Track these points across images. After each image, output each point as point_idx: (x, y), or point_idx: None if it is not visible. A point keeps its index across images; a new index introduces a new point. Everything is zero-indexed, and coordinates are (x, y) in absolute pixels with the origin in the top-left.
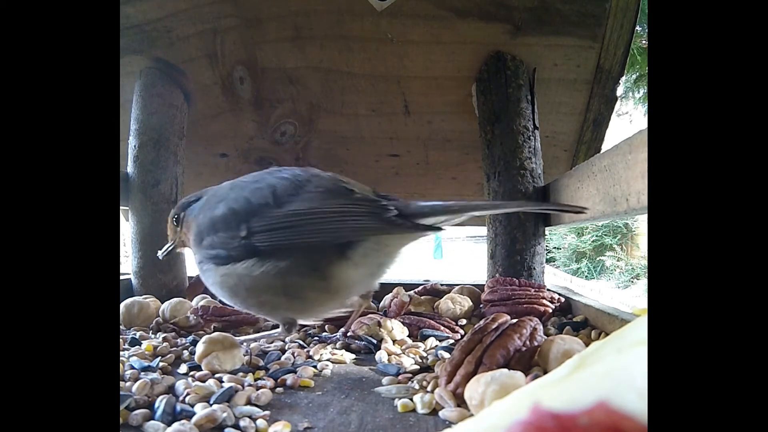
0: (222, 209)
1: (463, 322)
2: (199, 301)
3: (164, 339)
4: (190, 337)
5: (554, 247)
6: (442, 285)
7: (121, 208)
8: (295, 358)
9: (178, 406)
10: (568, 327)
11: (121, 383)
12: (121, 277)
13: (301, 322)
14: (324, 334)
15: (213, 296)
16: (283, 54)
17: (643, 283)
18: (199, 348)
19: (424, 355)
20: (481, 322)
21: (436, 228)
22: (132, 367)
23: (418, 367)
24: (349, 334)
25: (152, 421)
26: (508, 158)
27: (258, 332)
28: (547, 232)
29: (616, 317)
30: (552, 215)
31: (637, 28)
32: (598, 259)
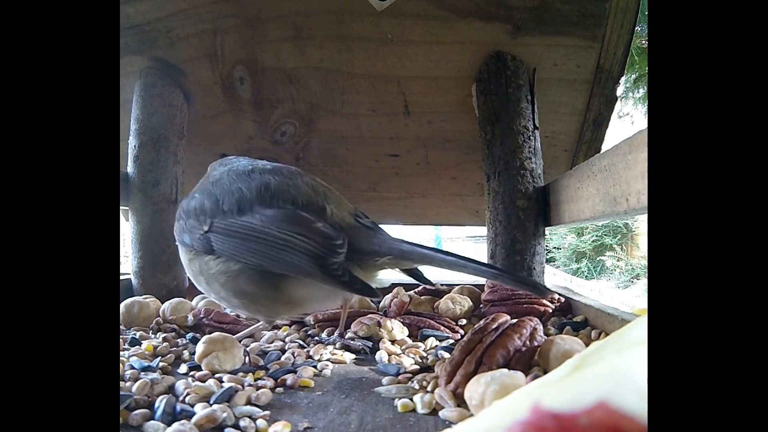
0: (197, 201)
1: (463, 322)
2: (199, 301)
3: (164, 339)
4: (190, 335)
5: (554, 247)
6: (442, 285)
7: (121, 208)
8: (295, 358)
9: (178, 406)
10: (568, 327)
11: (121, 383)
12: (121, 277)
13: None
14: (323, 335)
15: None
16: (283, 54)
17: (643, 283)
18: (199, 348)
19: (424, 355)
20: (481, 322)
21: (370, 292)
22: (132, 367)
23: (418, 367)
24: (347, 335)
25: (152, 421)
26: (508, 158)
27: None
28: (547, 232)
29: (616, 317)
30: (552, 215)
31: (637, 28)
32: (598, 259)
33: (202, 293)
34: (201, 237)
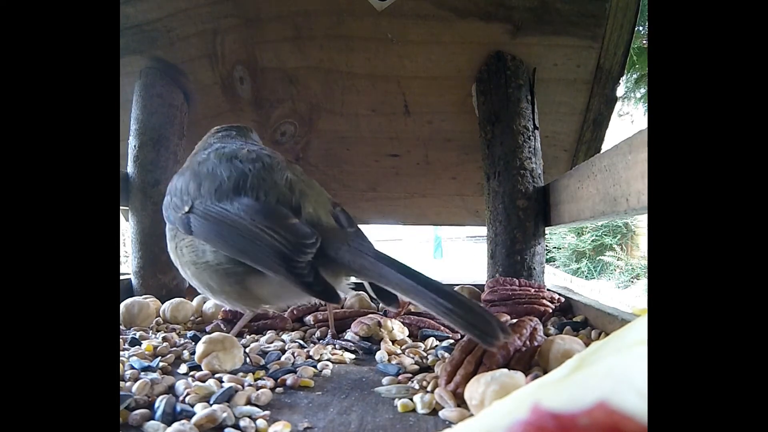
0: (184, 180)
1: None
2: (200, 302)
3: (164, 339)
4: (191, 333)
5: (554, 247)
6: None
7: (121, 208)
8: (295, 358)
9: (178, 406)
10: (568, 327)
11: (121, 383)
12: (121, 277)
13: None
14: (316, 334)
15: None
16: (283, 54)
17: (643, 283)
18: (199, 348)
19: (424, 355)
20: None
21: (332, 296)
22: (132, 367)
23: (418, 367)
24: (347, 335)
25: (152, 421)
26: (508, 158)
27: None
28: (547, 232)
29: (616, 317)
30: (552, 215)
31: (637, 28)
32: (598, 259)
33: (202, 294)
34: (183, 217)
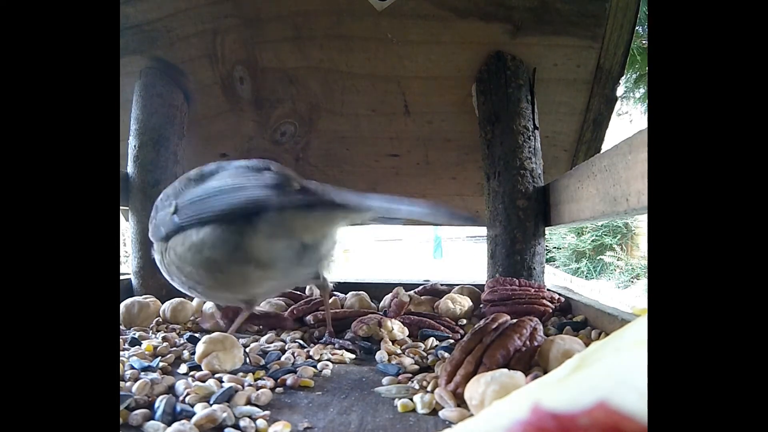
0: (164, 192)
1: (463, 322)
2: (200, 302)
3: (164, 339)
4: (187, 334)
5: (554, 247)
6: (442, 285)
7: (121, 208)
8: (295, 358)
9: (178, 406)
10: (568, 327)
11: (121, 383)
12: (121, 277)
13: (259, 300)
14: (317, 335)
15: None
16: (283, 54)
17: (643, 283)
18: (199, 348)
19: (424, 355)
20: (481, 322)
21: (328, 202)
22: (132, 367)
23: (418, 367)
24: (347, 335)
25: (152, 421)
26: (508, 158)
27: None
28: (547, 232)
29: (616, 317)
30: (552, 215)
31: (637, 28)
32: (598, 259)
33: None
34: (170, 219)
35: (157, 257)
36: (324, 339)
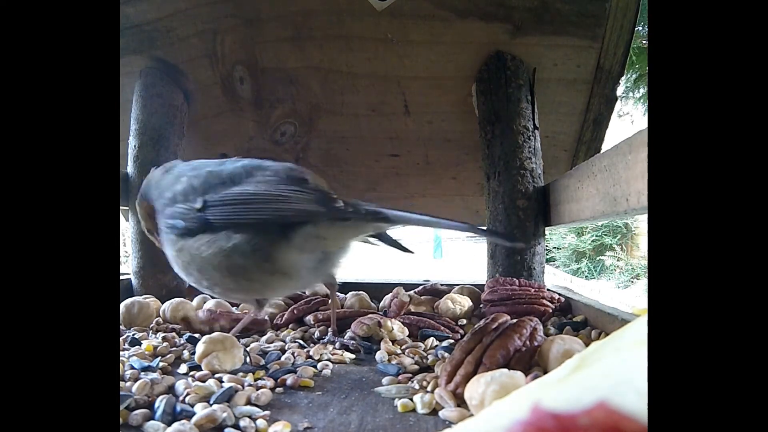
0: (184, 183)
1: (463, 322)
2: (200, 302)
3: (164, 339)
4: (187, 334)
5: (554, 247)
6: (442, 285)
7: (121, 208)
8: (295, 358)
9: (178, 406)
10: (568, 327)
11: (121, 383)
12: (121, 277)
13: (270, 301)
14: (316, 334)
15: None
16: (283, 54)
17: (643, 283)
18: (199, 348)
19: (424, 355)
20: (481, 322)
21: (380, 216)
22: (132, 367)
23: (418, 367)
24: (347, 335)
25: (152, 421)
26: (508, 158)
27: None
28: (547, 232)
29: (616, 317)
30: (552, 215)
31: (637, 28)
32: (598, 259)
33: (202, 293)
34: (195, 216)
35: (169, 252)
36: (327, 337)
